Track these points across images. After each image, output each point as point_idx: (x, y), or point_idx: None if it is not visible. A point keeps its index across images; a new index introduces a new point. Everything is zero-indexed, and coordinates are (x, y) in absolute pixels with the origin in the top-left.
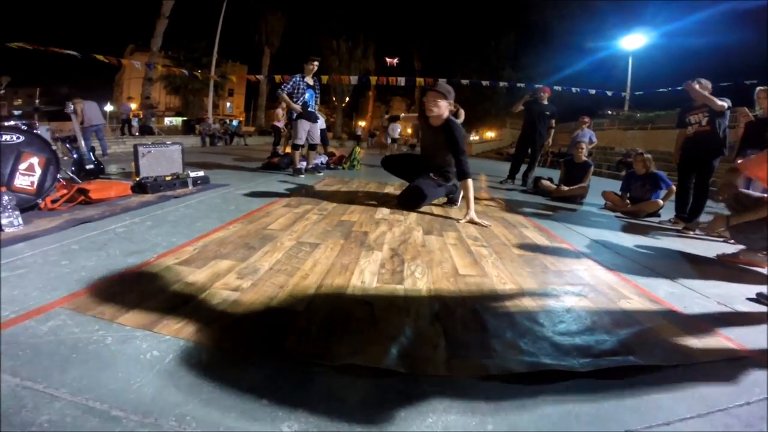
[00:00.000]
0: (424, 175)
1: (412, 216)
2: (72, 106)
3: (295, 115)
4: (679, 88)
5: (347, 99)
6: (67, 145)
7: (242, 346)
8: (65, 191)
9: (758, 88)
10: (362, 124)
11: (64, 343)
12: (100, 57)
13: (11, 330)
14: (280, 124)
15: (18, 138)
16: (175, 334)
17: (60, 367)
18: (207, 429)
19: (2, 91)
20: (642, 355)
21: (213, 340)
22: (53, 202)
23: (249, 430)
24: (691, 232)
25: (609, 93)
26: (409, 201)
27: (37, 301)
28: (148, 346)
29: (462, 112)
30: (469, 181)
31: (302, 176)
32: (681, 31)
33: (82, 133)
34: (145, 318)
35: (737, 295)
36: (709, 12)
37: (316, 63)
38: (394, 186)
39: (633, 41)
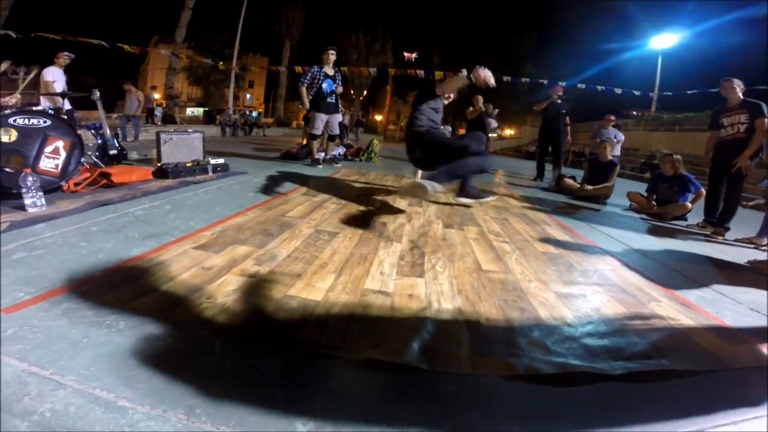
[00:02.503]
0: None
1: (431, 208)
2: (98, 93)
3: (309, 106)
4: (711, 90)
5: (365, 92)
6: (92, 132)
7: (257, 336)
8: (88, 174)
9: None
10: (379, 118)
11: (76, 327)
12: (127, 47)
13: (24, 312)
14: None
15: (45, 122)
16: (190, 321)
17: (69, 352)
18: (217, 423)
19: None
20: (674, 359)
21: (228, 328)
22: (76, 184)
23: (261, 428)
24: (720, 237)
25: (636, 93)
26: None
27: (53, 282)
28: (162, 333)
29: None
30: None
31: (320, 166)
32: (713, 31)
33: (133, 119)
34: (160, 303)
35: None
36: (743, 12)
37: (331, 52)
38: (411, 179)
39: (663, 41)
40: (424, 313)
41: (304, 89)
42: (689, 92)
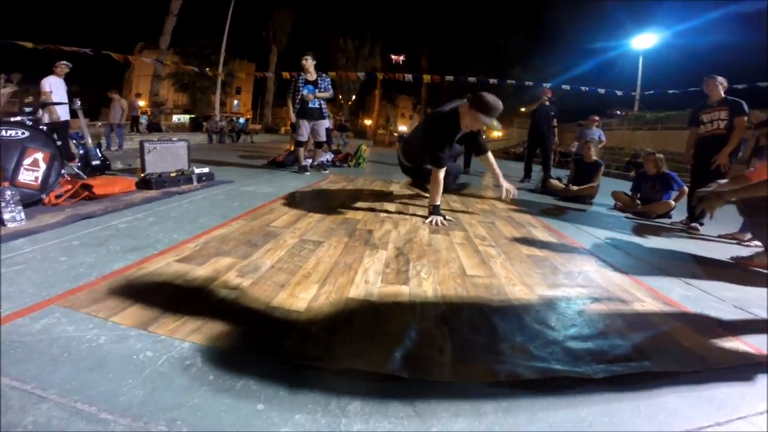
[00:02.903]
0: None
1: (418, 214)
2: (78, 103)
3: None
4: (691, 89)
5: (353, 97)
6: (74, 141)
7: (239, 347)
8: (69, 186)
9: None
10: (368, 122)
11: (56, 342)
12: (113, 55)
13: (4, 328)
14: None
15: (23, 133)
16: (171, 333)
17: (50, 367)
18: None
19: (13, 89)
20: (658, 361)
21: (209, 340)
22: (57, 197)
23: None
24: (696, 232)
25: (619, 93)
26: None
27: (32, 298)
28: (142, 346)
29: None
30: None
31: (307, 173)
32: (693, 31)
33: (117, 128)
34: (141, 317)
35: (753, 299)
36: (724, 11)
37: (306, 58)
38: (399, 184)
39: (644, 41)
40: (408, 321)
41: (289, 99)
42: (670, 91)
